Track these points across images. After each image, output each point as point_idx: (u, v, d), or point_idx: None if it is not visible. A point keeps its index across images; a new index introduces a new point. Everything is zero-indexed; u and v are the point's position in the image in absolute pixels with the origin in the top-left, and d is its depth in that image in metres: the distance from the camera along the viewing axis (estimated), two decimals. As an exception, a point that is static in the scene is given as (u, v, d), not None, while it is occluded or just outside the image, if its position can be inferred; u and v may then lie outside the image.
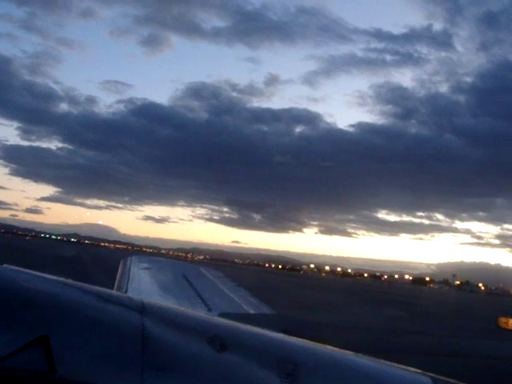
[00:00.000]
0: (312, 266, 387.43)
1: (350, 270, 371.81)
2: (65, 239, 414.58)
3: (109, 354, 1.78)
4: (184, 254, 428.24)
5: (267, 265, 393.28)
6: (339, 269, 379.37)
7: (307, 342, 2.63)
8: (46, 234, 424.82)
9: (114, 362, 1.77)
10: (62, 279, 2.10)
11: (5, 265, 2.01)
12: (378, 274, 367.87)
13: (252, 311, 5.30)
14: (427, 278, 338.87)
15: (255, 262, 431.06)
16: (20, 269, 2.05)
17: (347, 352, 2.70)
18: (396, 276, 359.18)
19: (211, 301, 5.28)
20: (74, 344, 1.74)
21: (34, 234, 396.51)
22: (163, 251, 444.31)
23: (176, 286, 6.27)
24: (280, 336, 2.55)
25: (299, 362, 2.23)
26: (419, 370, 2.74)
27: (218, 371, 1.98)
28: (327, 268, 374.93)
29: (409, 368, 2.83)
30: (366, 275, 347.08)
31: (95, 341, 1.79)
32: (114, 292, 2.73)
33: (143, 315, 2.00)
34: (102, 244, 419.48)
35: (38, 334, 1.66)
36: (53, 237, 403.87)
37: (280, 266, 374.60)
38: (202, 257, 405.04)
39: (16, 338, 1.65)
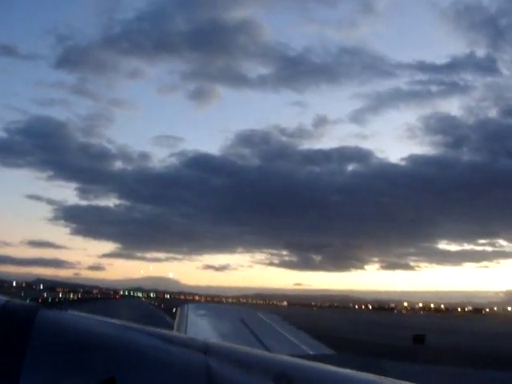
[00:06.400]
0: (405, 304, 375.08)
1: (421, 305, 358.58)
2: (146, 295, 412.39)
3: None
4: (263, 302, 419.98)
5: (357, 306, 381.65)
6: (406, 304, 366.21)
7: (377, 376, 2.55)
8: (111, 289, 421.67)
9: None
10: (124, 323, 2.12)
11: (69, 310, 2.03)
12: (477, 307, 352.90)
13: (312, 353, 5.34)
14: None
15: (335, 305, 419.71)
16: (84, 314, 2.07)
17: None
18: (496, 308, 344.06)
19: (271, 344, 5.27)
20: None
21: (112, 292, 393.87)
22: (242, 300, 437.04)
23: (234, 331, 6.23)
24: (345, 372, 2.47)
25: None
26: None
27: None
28: (420, 305, 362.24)
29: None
30: (466, 309, 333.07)
31: (161, 382, 1.80)
32: (177, 334, 2.55)
33: (207, 355, 1.98)
34: (182, 297, 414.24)
35: (105, 377, 1.69)
36: (137, 294, 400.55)
37: (370, 307, 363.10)
38: (285, 303, 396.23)
39: (86, 381, 1.68)
